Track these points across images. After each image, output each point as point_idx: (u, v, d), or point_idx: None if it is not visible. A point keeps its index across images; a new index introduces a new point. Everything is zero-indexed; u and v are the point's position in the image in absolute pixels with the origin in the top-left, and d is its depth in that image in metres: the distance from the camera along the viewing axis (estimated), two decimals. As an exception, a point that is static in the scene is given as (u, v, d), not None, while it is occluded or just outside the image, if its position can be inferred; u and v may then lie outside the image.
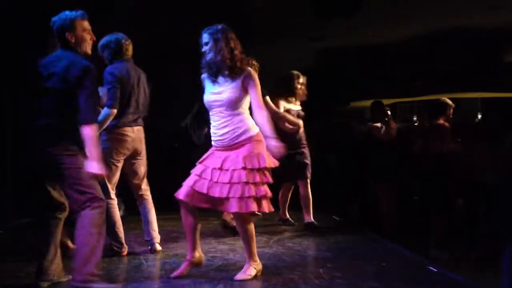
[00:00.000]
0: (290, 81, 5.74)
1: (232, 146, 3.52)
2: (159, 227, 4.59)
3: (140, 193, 4.52)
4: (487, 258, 5.06)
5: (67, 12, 3.42)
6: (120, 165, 4.36)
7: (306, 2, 6.76)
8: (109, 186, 4.27)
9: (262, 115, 3.52)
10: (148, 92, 4.52)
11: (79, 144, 3.30)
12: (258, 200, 3.48)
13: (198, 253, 3.74)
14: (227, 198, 3.45)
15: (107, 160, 4.11)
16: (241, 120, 3.54)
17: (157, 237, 4.54)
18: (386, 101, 11.98)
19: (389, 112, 6.89)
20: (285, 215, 5.98)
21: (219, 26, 3.58)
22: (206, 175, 3.53)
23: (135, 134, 4.36)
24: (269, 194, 3.54)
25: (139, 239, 4.99)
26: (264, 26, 7.57)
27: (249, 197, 3.43)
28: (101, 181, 3.58)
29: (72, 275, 3.28)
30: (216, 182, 3.49)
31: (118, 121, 4.25)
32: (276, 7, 7.26)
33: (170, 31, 7.04)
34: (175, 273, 3.65)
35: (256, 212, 3.57)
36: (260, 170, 3.47)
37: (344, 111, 13.15)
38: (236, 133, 3.52)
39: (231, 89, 3.52)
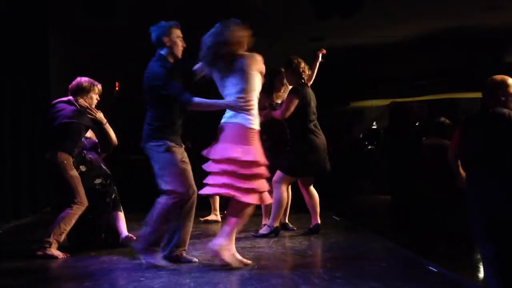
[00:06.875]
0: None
1: None
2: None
3: None
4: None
5: (163, 22, 3.94)
6: None
7: (306, 2, 6.77)
8: None
9: None
10: None
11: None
12: None
13: None
14: None
15: None
16: None
17: None
18: (386, 101, 12.04)
19: None
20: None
21: None
22: None
23: None
24: None
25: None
26: (264, 26, 7.58)
27: None
28: None
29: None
30: None
31: None
32: (276, 7, 7.27)
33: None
34: None
35: None
36: None
37: (344, 111, 13.15)
38: None
39: None
